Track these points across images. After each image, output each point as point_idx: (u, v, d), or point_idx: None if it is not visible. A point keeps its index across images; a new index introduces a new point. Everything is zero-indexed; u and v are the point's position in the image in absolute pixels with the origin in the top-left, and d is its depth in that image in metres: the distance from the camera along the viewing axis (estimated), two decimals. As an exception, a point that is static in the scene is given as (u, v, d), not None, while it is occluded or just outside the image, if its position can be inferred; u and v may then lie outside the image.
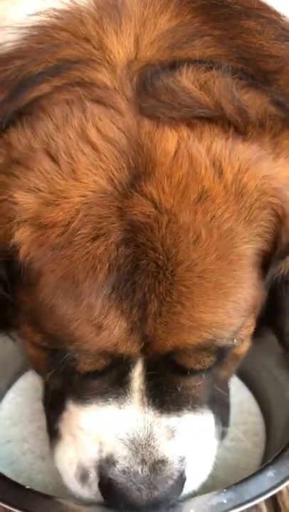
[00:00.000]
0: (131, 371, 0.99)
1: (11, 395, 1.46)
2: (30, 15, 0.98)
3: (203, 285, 0.91)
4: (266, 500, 1.20)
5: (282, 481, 1.12)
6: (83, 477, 1.07)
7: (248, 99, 0.95)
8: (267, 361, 1.40)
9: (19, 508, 1.08)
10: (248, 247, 0.94)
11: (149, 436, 1.00)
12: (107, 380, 1.00)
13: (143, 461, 1.00)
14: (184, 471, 1.04)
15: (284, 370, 1.38)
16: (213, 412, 1.11)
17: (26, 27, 0.97)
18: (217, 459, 1.29)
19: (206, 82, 0.93)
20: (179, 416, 1.03)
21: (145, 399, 1.01)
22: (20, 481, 1.16)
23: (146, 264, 0.90)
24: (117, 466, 1.00)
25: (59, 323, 0.93)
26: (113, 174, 0.89)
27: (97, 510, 1.10)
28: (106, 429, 1.02)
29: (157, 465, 1.00)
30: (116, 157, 0.90)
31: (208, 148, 0.91)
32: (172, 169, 0.89)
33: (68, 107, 0.92)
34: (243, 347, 1.11)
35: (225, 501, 1.09)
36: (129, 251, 0.89)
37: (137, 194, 0.89)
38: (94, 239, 0.89)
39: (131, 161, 0.90)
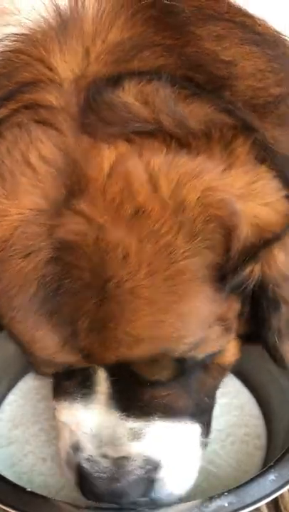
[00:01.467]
0: (94, 375, 1.02)
1: (11, 397, 1.45)
2: None
3: (134, 301, 0.90)
4: (267, 504, 1.20)
5: (284, 484, 1.12)
6: (68, 462, 1.11)
7: (192, 109, 0.93)
8: (268, 363, 1.39)
9: (20, 511, 1.08)
10: (192, 261, 0.91)
11: (111, 436, 1.04)
12: (74, 381, 1.05)
13: (105, 456, 1.05)
14: (151, 472, 1.07)
15: (286, 372, 1.38)
16: (200, 422, 1.12)
17: None
18: (218, 461, 1.29)
19: (148, 95, 0.92)
20: (146, 421, 1.05)
21: (110, 401, 1.03)
22: (21, 483, 1.16)
23: (71, 282, 0.90)
24: (83, 454, 1.06)
25: (8, 330, 0.99)
26: (49, 193, 0.91)
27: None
28: (75, 422, 1.07)
29: (119, 460, 1.04)
30: (53, 176, 0.91)
31: (147, 163, 0.90)
32: (106, 185, 0.89)
33: (18, 130, 0.94)
34: (228, 357, 1.10)
35: (226, 504, 1.08)
36: (57, 269, 0.91)
37: (70, 211, 0.90)
38: (26, 256, 0.91)
39: (67, 180, 0.90)
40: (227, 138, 0.93)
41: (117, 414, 1.04)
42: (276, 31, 1.03)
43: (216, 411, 1.36)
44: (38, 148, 0.92)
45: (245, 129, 0.94)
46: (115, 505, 1.08)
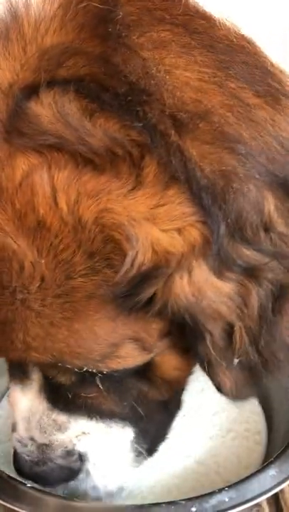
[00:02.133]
0: (27, 363, 1.07)
1: (12, 394, 1.45)
2: None
3: (24, 312, 0.91)
4: (268, 499, 1.20)
5: (285, 480, 1.12)
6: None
7: (99, 124, 0.87)
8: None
9: (20, 506, 1.08)
10: (90, 279, 0.90)
11: (38, 423, 1.11)
12: (14, 366, 1.11)
13: (32, 439, 1.12)
14: (74, 463, 1.14)
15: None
16: (137, 428, 1.14)
17: None
18: (219, 457, 1.29)
19: (60, 108, 0.88)
20: (69, 416, 1.11)
21: (42, 391, 1.10)
22: (21, 479, 1.16)
23: None
24: (16, 433, 1.13)
25: None
26: None
27: (100, 508, 1.12)
28: (13, 403, 1.14)
29: (42, 446, 1.12)
30: None
31: (52, 178, 0.87)
32: (14, 196, 0.88)
33: None
34: (168, 371, 1.09)
35: (226, 499, 1.08)
36: None
37: None
38: None
39: None
40: (134, 157, 0.87)
41: (46, 404, 1.10)
42: (239, 36, 0.93)
43: (217, 407, 1.38)
44: None
45: (156, 147, 0.87)
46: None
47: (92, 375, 1.02)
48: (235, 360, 0.97)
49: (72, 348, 0.94)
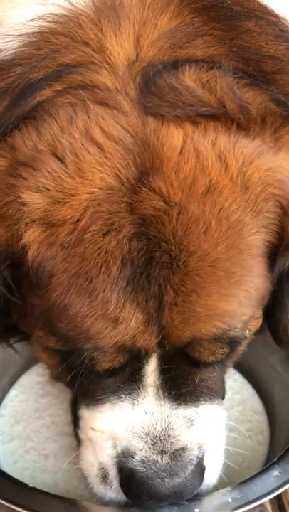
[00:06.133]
0: (144, 367, 1.02)
1: (13, 393, 1.45)
2: (29, 20, 1.00)
3: (215, 274, 0.94)
4: (271, 500, 1.20)
5: (288, 481, 1.11)
6: (104, 476, 1.08)
7: (249, 97, 0.99)
8: (271, 358, 1.40)
9: (22, 507, 1.08)
10: (257, 237, 0.97)
11: (167, 428, 1.03)
12: (121, 377, 1.03)
13: (162, 452, 1.02)
14: (202, 459, 1.06)
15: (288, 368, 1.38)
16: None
17: (25, 33, 1.00)
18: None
19: (208, 81, 0.97)
20: (196, 406, 1.06)
21: (161, 392, 1.03)
22: (23, 479, 1.15)
23: (160, 255, 0.92)
24: (136, 457, 1.02)
25: (74, 321, 0.94)
26: (119, 171, 0.92)
27: (102, 508, 1.11)
28: (119, 425, 1.04)
29: (177, 452, 1.02)
30: (121, 154, 0.92)
31: (214, 144, 0.95)
32: (179, 164, 0.93)
33: (72, 109, 0.95)
34: (246, 342, 1.14)
35: (230, 500, 1.08)
36: (142, 244, 0.92)
37: (146, 189, 0.92)
38: (105, 234, 0.92)
39: (137, 158, 0.92)
40: (276, 125, 0.99)
41: (169, 405, 1.03)
42: None
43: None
44: (100, 125, 0.93)
45: None
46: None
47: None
48: None
49: (242, 309, 0.97)
